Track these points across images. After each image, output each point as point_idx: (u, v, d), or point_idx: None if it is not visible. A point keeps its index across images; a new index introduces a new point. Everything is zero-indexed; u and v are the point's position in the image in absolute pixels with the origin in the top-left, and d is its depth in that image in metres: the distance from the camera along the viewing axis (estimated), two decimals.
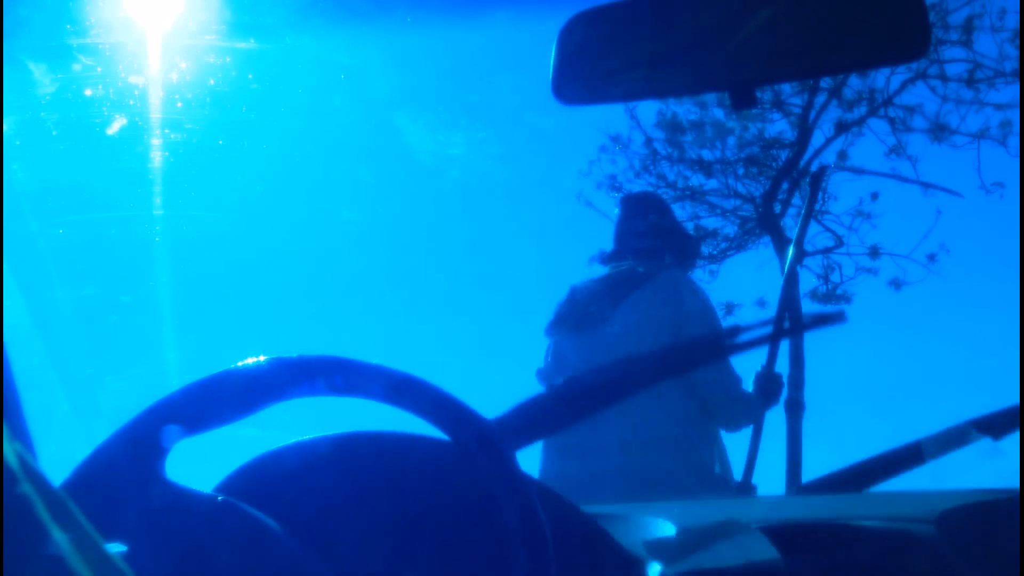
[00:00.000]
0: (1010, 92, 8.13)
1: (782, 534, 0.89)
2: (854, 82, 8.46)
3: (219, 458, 0.91)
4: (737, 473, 2.69)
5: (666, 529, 0.96)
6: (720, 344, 2.72)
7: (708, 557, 0.86)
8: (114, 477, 0.75)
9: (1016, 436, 1.28)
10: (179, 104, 2.57)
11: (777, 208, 8.90)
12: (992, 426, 1.24)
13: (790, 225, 8.98)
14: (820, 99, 8.57)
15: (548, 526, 0.75)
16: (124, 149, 2.69)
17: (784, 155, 8.91)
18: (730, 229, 9.21)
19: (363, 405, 0.80)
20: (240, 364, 0.79)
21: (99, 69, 2.45)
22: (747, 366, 3.12)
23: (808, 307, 8.58)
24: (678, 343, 2.58)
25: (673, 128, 8.91)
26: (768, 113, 8.72)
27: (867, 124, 8.71)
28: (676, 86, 1.47)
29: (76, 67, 2.42)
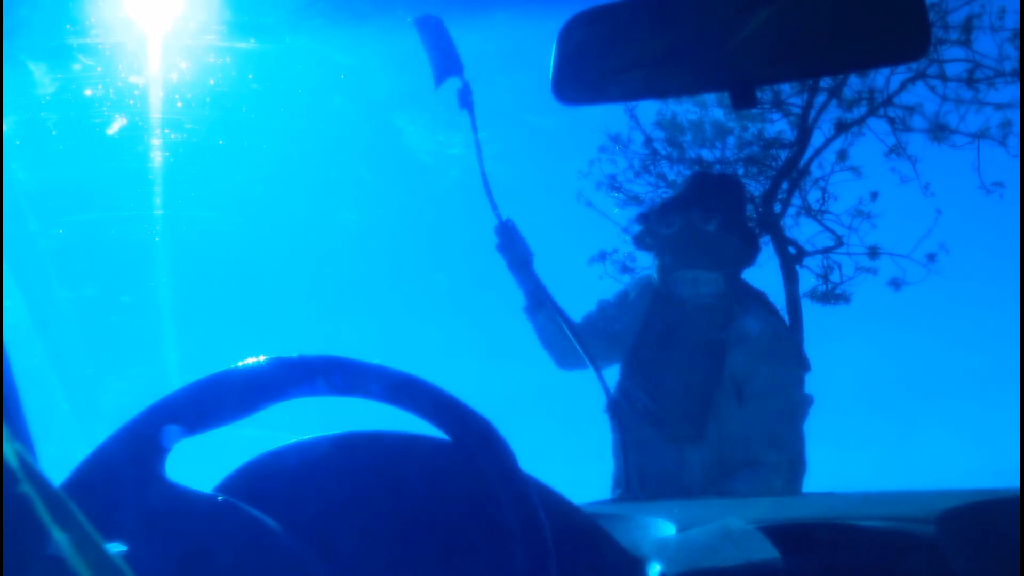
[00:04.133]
0: (1010, 92, 8.13)
1: (782, 534, 0.89)
2: (854, 82, 8.46)
3: (219, 458, 0.91)
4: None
5: (666, 529, 0.96)
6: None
7: (708, 557, 0.86)
8: (114, 477, 0.75)
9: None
10: (179, 104, 2.57)
11: (777, 208, 8.90)
12: None
13: (790, 225, 8.99)
14: (820, 99, 8.57)
15: (548, 526, 0.75)
16: (124, 149, 2.69)
17: (784, 155, 8.91)
18: None
19: (363, 405, 0.80)
20: (240, 364, 0.79)
21: (99, 69, 2.45)
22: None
23: (808, 307, 8.59)
24: None
25: (673, 128, 8.92)
26: (768, 113, 8.72)
27: (867, 124, 8.72)
28: (676, 86, 1.47)
29: (76, 67, 2.42)
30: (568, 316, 2.36)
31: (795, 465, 2.40)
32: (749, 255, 2.59)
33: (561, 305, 2.36)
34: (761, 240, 8.91)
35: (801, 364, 2.52)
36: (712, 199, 2.48)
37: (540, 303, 2.41)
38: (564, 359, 2.53)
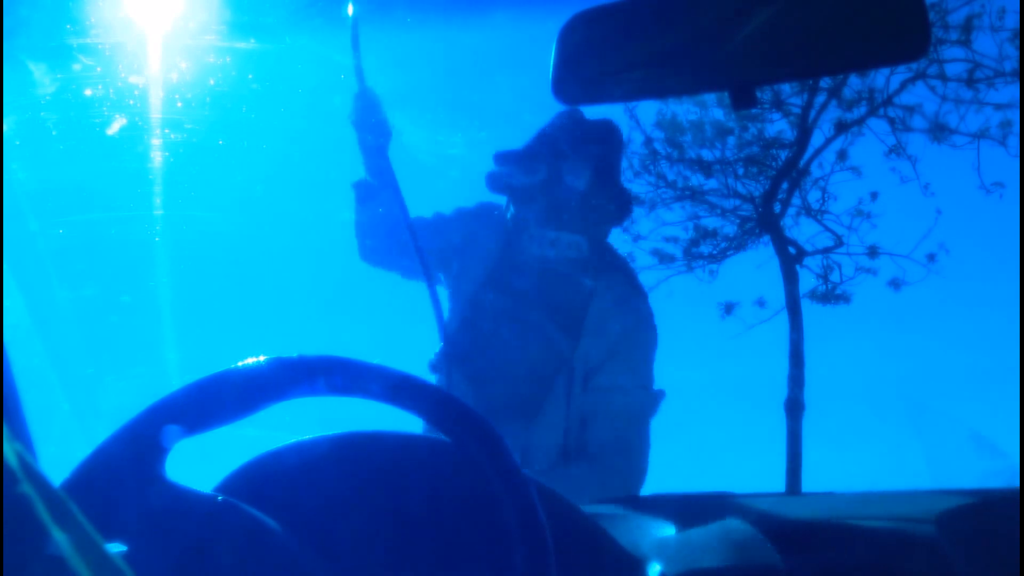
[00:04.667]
0: (1010, 92, 8.14)
1: (782, 534, 0.89)
2: (854, 82, 8.47)
3: (219, 458, 0.91)
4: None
5: (666, 529, 0.96)
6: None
7: (708, 557, 0.86)
8: (114, 477, 0.75)
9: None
10: (179, 104, 2.57)
11: (777, 208, 8.90)
12: None
13: (790, 225, 9.00)
14: (820, 99, 8.57)
15: (548, 526, 0.75)
16: (124, 149, 2.70)
17: (784, 155, 8.91)
18: (730, 229, 9.21)
19: (363, 405, 0.80)
20: (240, 364, 0.79)
21: (99, 69, 2.45)
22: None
23: (808, 307, 8.60)
24: None
25: (673, 128, 8.91)
26: (768, 113, 8.72)
27: (867, 124, 8.72)
28: (676, 86, 1.47)
29: (76, 67, 2.42)
30: (409, 216, 2.08)
31: (633, 465, 2.13)
32: (619, 216, 2.23)
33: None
34: (761, 240, 8.96)
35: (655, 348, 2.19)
36: (587, 149, 2.09)
37: (376, 191, 2.13)
38: (374, 252, 2.25)
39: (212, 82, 2.65)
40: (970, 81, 8.20)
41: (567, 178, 2.09)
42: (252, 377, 0.78)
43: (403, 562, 0.87)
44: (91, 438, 0.77)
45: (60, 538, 0.37)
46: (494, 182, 2.17)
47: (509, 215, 2.18)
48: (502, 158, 2.16)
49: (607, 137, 2.25)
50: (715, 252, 9.13)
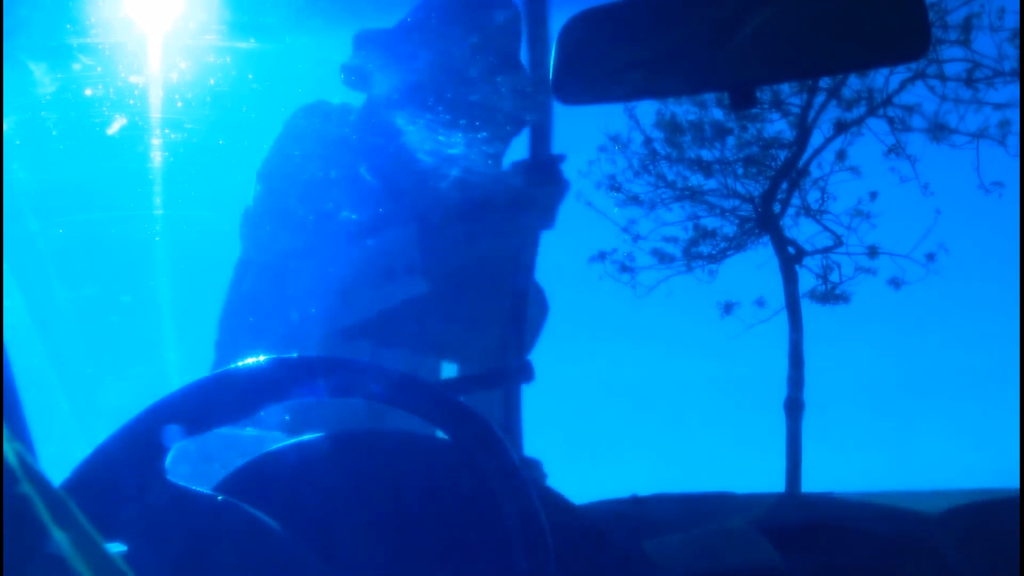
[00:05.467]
0: (1009, 92, 8.15)
1: (782, 534, 0.89)
2: (853, 82, 8.48)
3: (219, 458, 0.91)
4: None
5: (666, 529, 0.96)
6: None
7: (708, 557, 0.86)
8: (114, 477, 0.75)
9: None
10: (179, 104, 2.57)
11: (777, 208, 8.91)
12: None
13: (789, 225, 9.00)
14: (819, 99, 8.59)
15: (548, 526, 0.75)
16: (124, 149, 2.69)
17: (783, 155, 8.92)
18: (729, 229, 9.22)
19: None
20: (240, 364, 0.79)
21: (99, 69, 2.45)
22: None
23: (808, 307, 8.60)
24: None
25: (673, 128, 8.92)
26: (767, 113, 8.72)
27: (866, 124, 8.73)
28: (676, 86, 1.47)
29: (76, 67, 2.42)
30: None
31: None
32: (533, 107, 1.58)
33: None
34: (761, 240, 8.96)
35: None
36: (478, 21, 1.45)
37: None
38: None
39: (212, 82, 2.65)
40: (970, 81, 8.21)
41: (456, 63, 1.51)
42: (252, 377, 0.79)
43: (403, 561, 0.87)
44: (91, 438, 0.77)
45: (60, 538, 0.37)
46: (356, 75, 1.51)
47: (371, 113, 1.51)
48: (365, 40, 1.51)
49: (502, 3, 1.56)
50: (715, 252, 9.14)
